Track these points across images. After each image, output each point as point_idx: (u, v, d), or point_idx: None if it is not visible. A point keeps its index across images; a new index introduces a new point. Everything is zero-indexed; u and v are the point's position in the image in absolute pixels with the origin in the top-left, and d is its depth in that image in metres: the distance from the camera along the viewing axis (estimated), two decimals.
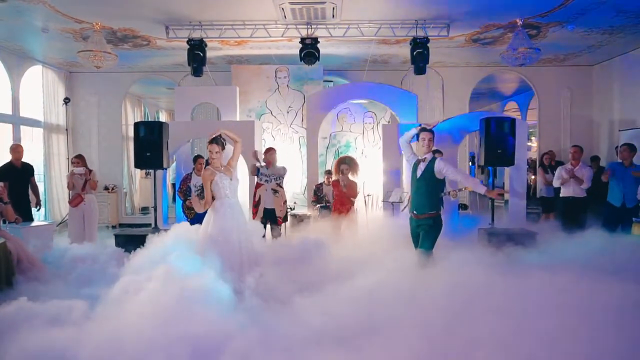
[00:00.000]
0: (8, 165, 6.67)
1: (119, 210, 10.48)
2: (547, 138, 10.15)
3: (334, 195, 6.39)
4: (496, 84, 12.31)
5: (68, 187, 6.72)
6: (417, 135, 4.46)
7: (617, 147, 8.36)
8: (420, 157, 4.49)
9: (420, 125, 4.63)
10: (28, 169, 6.85)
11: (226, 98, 8.41)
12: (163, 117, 15.16)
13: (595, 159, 8.90)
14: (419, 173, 4.43)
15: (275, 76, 8.89)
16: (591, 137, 9.97)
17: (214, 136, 4.40)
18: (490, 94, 13.80)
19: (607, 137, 9.52)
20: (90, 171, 6.70)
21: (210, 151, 4.43)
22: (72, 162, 6.63)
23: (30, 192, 6.88)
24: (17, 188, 6.45)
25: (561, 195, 6.56)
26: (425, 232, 4.39)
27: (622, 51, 8.81)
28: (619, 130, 8.87)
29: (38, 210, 7.05)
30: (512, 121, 6.26)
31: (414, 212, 4.46)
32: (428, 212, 4.39)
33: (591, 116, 10.03)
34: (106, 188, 10.31)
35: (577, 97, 10.03)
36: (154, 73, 10.39)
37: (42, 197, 8.76)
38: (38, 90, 9.41)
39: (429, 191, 4.39)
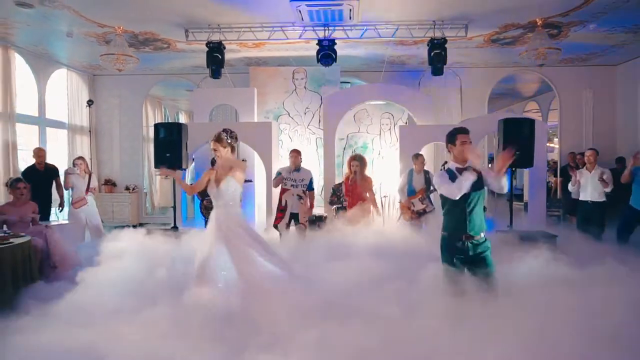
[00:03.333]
0: (31, 169, 6.90)
1: (140, 209, 10.69)
2: (569, 139, 9.97)
3: (346, 193, 6.35)
4: (516, 85, 12.14)
5: (65, 187, 6.84)
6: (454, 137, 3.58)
7: None
8: (461, 166, 3.54)
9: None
10: (51, 171, 7.04)
11: (244, 99, 8.52)
12: (183, 119, 15.39)
13: (620, 160, 8.70)
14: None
15: (293, 78, 8.95)
16: (614, 138, 9.74)
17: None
18: (511, 95, 13.61)
19: (632, 139, 9.28)
20: (91, 174, 6.85)
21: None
22: (75, 164, 6.78)
23: (55, 192, 7.08)
24: (40, 190, 6.65)
25: (580, 199, 6.44)
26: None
27: None
28: None
29: (61, 211, 7.24)
30: (531, 122, 6.17)
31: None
32: None
33: (614, 117, 9.80)
34: (127, 188, 10.54)
35: (599, 98, 9.82)
36: (174, 75, 10.58)
37: (65, 196, 9.02)
38: (63, 92, 9.69)
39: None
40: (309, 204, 6.54)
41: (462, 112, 9.79)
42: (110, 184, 10.46)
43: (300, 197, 6.48)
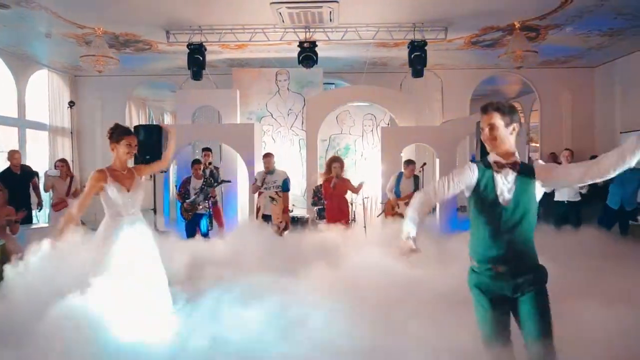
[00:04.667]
0: (6, 172, 6.78)
1: None
2: (549, 140, 10.13)
3: (325, 196, 6.38)
4: (499, 86, 12.30)
5: (45, 189, 6.78)
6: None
7: None
8: (495, 160, 2.25)
9: None
10: (28, 173, 6.95)
11: (227, 101, 8.51)
12: (168, 120, 15.31)
13: (593, 159, 8.86)
14: (505, 191, 2.21)
15: (276, 79, 8.97)
16: (593, 139, 9.92)
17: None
18: (494, 96, 13.79)
19: (609, 139, 9.46)
20: (72, 177, 6.79)
21: (129, 144, 3.27)
22: (56, 166, 6.74)
23: (32, 193, 6.99)
24: (17, 193, 6.54)
25: (555, 199, 6.55)
26: (536, 298, 2.22)
27: (624, 53, 8.77)
28: (620, 133, 8.83)
29: (39, 210, 7.17)
30: None
31: (503, 265, 2.22)
32: (534, 261, 2.28)
33: (593, 118, 9.98)
34: None
35: (578, 99, 9.99)
36: (156, 76, 10.52)
37: (45, 198, 8.93)
38: (44, 94, 9.59)
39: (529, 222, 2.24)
40: (283, 205, 6.53)
41: (444, 114, 9.90)
42: None
43: (272, 199, 6.49)
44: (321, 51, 7.99)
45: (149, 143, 6.38)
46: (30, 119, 9.14)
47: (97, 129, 10.52)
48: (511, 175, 2.21)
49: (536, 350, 2.13)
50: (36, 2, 6.09)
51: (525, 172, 2.21)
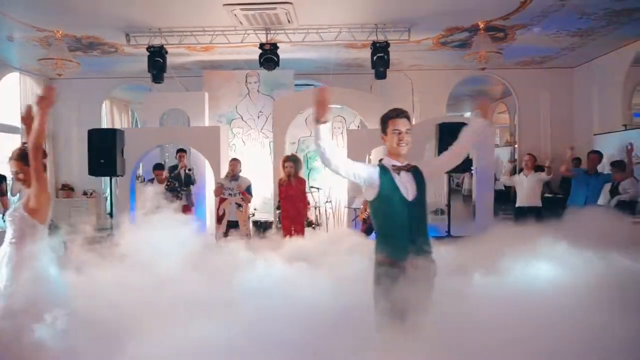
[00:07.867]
0: None
1: (99, 215, 10.58)
2: (527, 141, 9.96)
3: (280, 196, 6.17)
4: (483, 86, 12.12)
5: (12, 193, 6.72)
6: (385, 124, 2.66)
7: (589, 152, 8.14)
8: (399, 163, 2.63)
9: None
10: None
11: (195, 104, 8.46)
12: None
13: (576, 160, 8.68)
14: (409, 190, 2.60)
15: (246, 81, 8.88)
16: (571, 140, 9.70)
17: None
18: (478, 96, 13.58)
19: (587, 140, 9.26)
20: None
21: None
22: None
23: None
24: None
25: (517, 205, 6.41)
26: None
27: (600, 53, 8.60)
28: (593, 135, 8.64)
29: (2, 218, 7.12)
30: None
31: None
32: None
33: (571, 118, 9.80)
34: (85, 193, 10.43)
35: (557, 100, 9.81)
36: (131, 78, 10.46)
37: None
38: (16, 97, 9.57)
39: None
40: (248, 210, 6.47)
41: (421, 115, 9.74)
42: (67, 189, 10.34)
43: (239, 206, 6.42)
44: (290, 53, 7.91)
45: (103, 147, 6.35)
46: (2, 122, 9.13)
47: (74, 131, 10.50)
48: None
49: None
50: None
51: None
